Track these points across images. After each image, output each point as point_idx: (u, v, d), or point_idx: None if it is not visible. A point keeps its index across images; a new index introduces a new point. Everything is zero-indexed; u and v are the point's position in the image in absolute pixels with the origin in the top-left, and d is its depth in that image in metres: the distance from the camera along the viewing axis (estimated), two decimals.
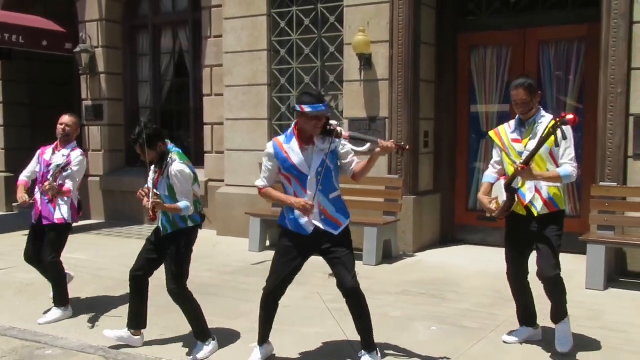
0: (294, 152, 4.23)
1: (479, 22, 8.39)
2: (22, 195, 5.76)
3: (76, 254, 7.71)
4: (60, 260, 5.76)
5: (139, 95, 11.20)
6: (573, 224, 7.66)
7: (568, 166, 4.30)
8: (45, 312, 5.73)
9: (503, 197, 4.36)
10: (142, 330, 5.00)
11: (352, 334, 4.92)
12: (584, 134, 7.70)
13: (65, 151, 5.78)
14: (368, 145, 4.39)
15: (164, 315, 5.40)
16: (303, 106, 4.13)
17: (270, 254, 7.99)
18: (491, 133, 4.77)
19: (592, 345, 4.73)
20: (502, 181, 4.43)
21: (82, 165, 5.81)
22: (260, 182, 4.41)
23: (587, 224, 6.88)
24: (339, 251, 4.26)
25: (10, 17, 10.72)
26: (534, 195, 4.41)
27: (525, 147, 4.40)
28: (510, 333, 4.81)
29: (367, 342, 4.34)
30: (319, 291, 6.01)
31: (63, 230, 5.75)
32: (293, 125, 4.33)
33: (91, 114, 11.02)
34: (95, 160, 10.99)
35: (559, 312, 4.56)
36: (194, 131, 10.49)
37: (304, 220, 4.25)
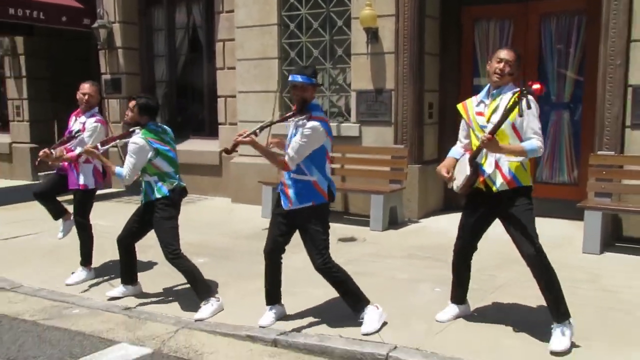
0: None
1: None
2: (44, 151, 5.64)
3: (97, 220, 7.77)
4: (90, 224, 5.92)
5: (155, 69, 11.18)
6: (571, 192, 7.69)
7: (534, 140, 3.92)
8: (72, 273, 5.87)
9: (466, 171, 4.05)
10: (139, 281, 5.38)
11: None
12: (583, 105, 7.67)
13: (83, 119, 5.86)
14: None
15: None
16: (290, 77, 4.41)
17: None
18: (459, 106, 4.37)
19: (588, 305, 4.78)
20: (466, 155, 4.15)
21: (95, 132, 5.77)
22: None
23: (585, 192, 6.88)
24: (303, 231, 4.47)
25: None
26: (494, 171, 4.04)
27: (487, 121, 4.04)
28: (443, 312, 4.53)
29: (356, 305, 4.49)
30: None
31: (86, 195, 5.86)
32: None
33: (110, 87, 11.03)
34: (115, 131, 10.99)
35: (558, 306, 3.99)
36: (208, 103, 10.49)
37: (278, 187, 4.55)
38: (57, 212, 6.20)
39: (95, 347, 4.38)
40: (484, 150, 3.99)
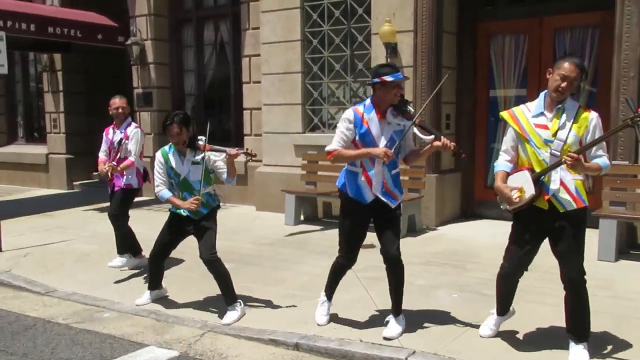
0: (373, 122, 4.20)
1: (497, 11, 8.22)
2: (102, 168, 6.19)
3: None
4: (127, 216, 6.25)
5: (185, 84, 11.23)
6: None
7: (605, 158, 3.73)
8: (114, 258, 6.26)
9: (532, 190, 3.67)
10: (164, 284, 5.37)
11: (378, 300, 4.95)
12: None
13: (122, 129, 6.23)
14: (432, 137, 4.14)
15: (211, 283, 5.47)
16: (384, 77, 4.10)
17: (304, 227, 8.10)
18: (504, 114, 3.96)
19: (603, 312, 4.64)
20: (527, 172, 3.73)
21: (137, 137, 6.21)
22: (332, 146, 4.26)
23: (600, 200, 6.74)
24: (391, 223, 4.27)
25: (68, 13, 10.84)
26: (559, 189, 3.69)
27: (554, 135, 3.68)
28: (486, 325, 4.26)
29: (397, 307, 4.38)
30: None
31: (129, 192, 6.21)
32: (369, 99, 4.29)
33: (142, 100, 11.10)
34: (146, 143, 11.02)
35: (580, 328, 3.81)
36: (235, 116, 10.50)
37: (366, 189, 4.24)
38: (129, 245, 6.30)
39: (124, 349, 4.36)
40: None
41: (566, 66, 3.65)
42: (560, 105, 3.74)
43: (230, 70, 10.51)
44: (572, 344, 3.83)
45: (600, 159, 3.74)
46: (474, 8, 8.29)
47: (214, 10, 10.75)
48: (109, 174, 6.05)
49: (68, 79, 12.44)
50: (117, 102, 6.25)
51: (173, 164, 4.89)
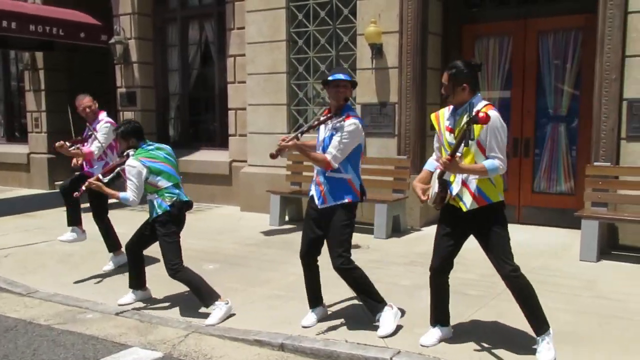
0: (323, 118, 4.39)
1: (482, 13, 8.28)
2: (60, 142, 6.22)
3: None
4: (108, 218, 6.29)
5: (169, 83, 11.18)
6: (568, 201, 7.63)
7: (495, 160, 3.68)
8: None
9: (435, 188, 3.82)
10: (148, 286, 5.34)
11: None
12: (580, 118, 7.62)
13: (94, 125, 6.29)
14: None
15: None
16: (329, 77, 4.28)
17: (289, 228, 8.09)
18: (432, 116, 4.06)
19: (586, 312, 4.71)
20: (436, 172, 3.86)
21: (108, 131, 6.19)
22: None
23: (582, 201, 6.82)
24: (331, 228, 4.34)
25: (51, 11, 10.74)
26: (461, 189, 3.81)
27: (456, 136, 3.75)
28: (427, 335, 4.17)
29: (370, 310, 4.43)
30: None
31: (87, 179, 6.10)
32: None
33: (125, 100, 11.04)
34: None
35: (537, 320, 3.85)
36: (219, 116, 10.48)
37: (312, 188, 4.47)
38: (74, 218, 6.32)
39: (108, 351, 4.33)
40: None
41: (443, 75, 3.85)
42: (462, 108, 3.80)
43: (215, 70, 10.49)
44: (538, 343, 3.85)
45: (490, 160, 3.70)
46: (460, 10, 8.35)
47: (199, 10, 10.72)
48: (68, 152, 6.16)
49: (50, 78, 12.32)
50: (83, 102, 6.28)
51: None
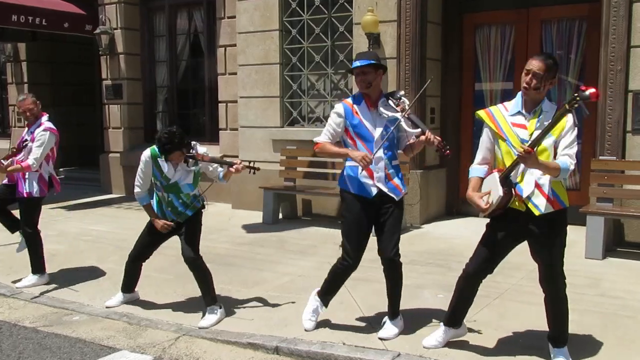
0: (364, 112, 4.23)
1: (483, 1, 8.27)
2: None
3: (98, 226, 7.77)
4: (38, 230, 5.83)
5: (157, 75, 11.14)
6: (573, 197, 7.59)
7: (567, 159, 3.54)
8: (21, 279, 5.84)
9: (499, 192, 3.59)
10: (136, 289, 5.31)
11: (361, 301, 4.97)
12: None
13: (32, 129, 5.80)
14: (418, 130, 4.13)
15: (186, 284, 5.45)
16: (353, 64, 4.21)
17: (283, 226, 8.09)
18: (481, 113, 3.87)
19: (591, 310, 4.74)
20: (496, 174, 3.67)
21: (43, 140, 5.67)
22: (319, 138, 4.31)
23: (587, 197, 6.84)
24: (391, 220, 4.26)
25: (34, 0, 10.67)
26: (534, 191, 3.62)
27: (531, 135, 3.60)
28: (431, 336, 4.17)
29: (394, 310, 4.41)
30: (330, 261, 6.01)
31: (32, 204, 5.77)
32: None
33: (111, 93, 11.00)
34: (116, 137, 11.01)
35: (560, 333, 3.85)
36: (209, 109, 10.45)
37: (368, 182, 4.21)
38: (11, 223, 6.10)
39: (95, 354, 4.32)
40: (520, 167, 3.61)
41: (531, 61, 3.64)
42: (538, 107, 3.69)
43: (205, 61, 10.45)
44: (555, 352, 3.86)
45: (562, 159, 3.57)
46: None
47: None
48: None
49: (33, 70, 12.28)
50: (23, 105, 5.82)
51: (164, 169, 4.82)
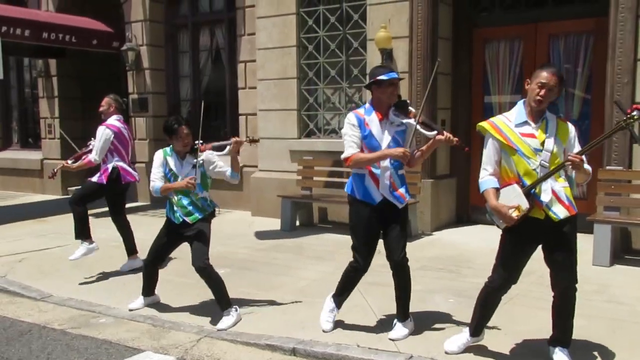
0: (373, 123, 4.22)
1: (492, 17, 8.26)
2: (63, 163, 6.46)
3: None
4: (83, 207, 6.20)
5: (180, 89, 11.24)
6: (581, 205, 7.51)
7: (587, 165, 3.63)
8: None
9: (525, 204, 3.59)
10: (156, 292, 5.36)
11: (375, 304, 4.95)
12: (591, 121, 7.58)
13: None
14: (434, 132, 4.14)
15: (206, 288, 5.46)
16: (378, 77, 4.14)
17: (300, 233, 8.10)
18: (485, 125, 3.84)
19: (598, 317, 4.67)
20: (516, 186, 3.65)
21: (99, 135, 6.17)
22: (347, 152, 4.23)
23: (594, 205, 6.77)
24: (397, 226, 4.27)
25: (64, 19, 10.84)
26: (551, 198, 3.64)
27: (542, 143, 3.62)
28: (452, 341, 4.10)
29: (404, 312, 4.40)
30: (345, 266, 6.01)
31: (94, 188, 6.24)
32: (369, 102, 4.33)
33: (137, 106, 11.10)
34: (141, 148, 11.10)
35: (567, 334, 3.86)
36: (230, 121, 10.51)
37: (374, 189, 4.25)
38: (81, 231, 6.25)
39: (120, 355, 4.35)
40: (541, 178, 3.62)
41: (544, 74, 3.62)
42: (543, 116, 3.70)
43: (226, 76, 10.53)
44: (557, 351, 3.83)
45: (586, 165, 3.66)
46: (470, 14, 8.34)
47: (210, 16, 10.77)
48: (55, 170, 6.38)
49: (63, 84, 12.41)
50: (101, 103, 6.48)
51: (172, 165, 4.91)
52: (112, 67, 12.19)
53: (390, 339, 4.26)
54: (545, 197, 3.64)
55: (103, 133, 6.19)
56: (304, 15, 8.93)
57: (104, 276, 6.22)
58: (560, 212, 3.65)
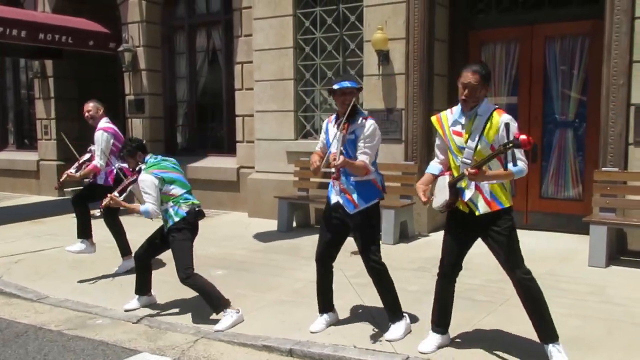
0: (330, 129, 4.43)
1: (488, 19, 8.27)
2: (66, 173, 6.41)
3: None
4: (85, 207, 6.35)
5: (177, 90, 11.23)
6: (576, 207, 7.60)
7: (520, 162, 3.62)
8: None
9: (445, 196, 3.81)
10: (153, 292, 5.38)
11: (372, 305, 4.96)
12: (587, 123, 7.60)
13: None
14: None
15: None
16: (332, 86, 4.31)
17: (296, 234, 8.10)
18: (433, 119, 4.03)
19: (595, 318, 4.69)
20: (447, 177, 3.86)
21: (102, 140, 6.25)
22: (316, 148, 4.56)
23: (590, 207, 6.80)
24: (358, 232, 4.35)
25: (60, 19, 10.82)
26: (474, 193, 3.79)
27: (465, 142, 3.77)
28: (425, 343, 4.13)
29: (390, 313, 4.42)
30: (341, 267, 6.01)
31: (99, 190, 6.22)
32: None
33: (133, 107, 11.09)
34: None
35: (546, 326, 3.83)
36: (227, 122, 10.50)
37: (332, 192, 4.44)
38: (84, 231, 6.35)
39: (117, 356, 4.34)
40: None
41: (465, 74, 3.71)
42: (472, 112, 3.78)
43: (223, 77, 10.52)
44: (549, 349, 3.82)
45: (519, 162, 3.64)
46: (466, 16, 8.35)
47: (207, 18, 10.76)
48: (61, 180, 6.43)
49: (59, 85, 12.40)
50: (84, 108, 6.47)
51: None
52: (108, 68, 12.19)
53: (387, 340, 4.27)
54: (468, 193, 3.82)
55: (103, 137, 6.26)
56: (301, 17, 8.94)
57: (101, 277, 6.20)
58: (481, 207, 3.80)
